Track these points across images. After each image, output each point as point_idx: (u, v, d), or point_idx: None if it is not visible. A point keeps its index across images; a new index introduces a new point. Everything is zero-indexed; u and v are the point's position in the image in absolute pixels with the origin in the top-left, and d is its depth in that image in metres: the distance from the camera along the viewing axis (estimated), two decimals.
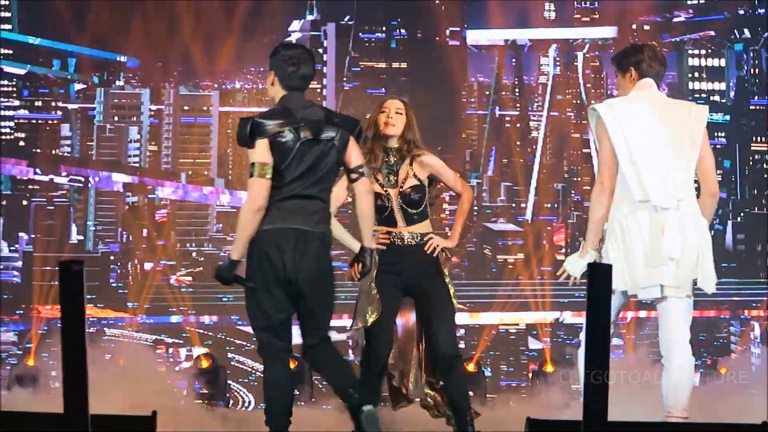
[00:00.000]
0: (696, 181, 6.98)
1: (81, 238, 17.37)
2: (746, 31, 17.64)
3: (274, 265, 6.41)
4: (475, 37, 17.91)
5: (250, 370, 16.91)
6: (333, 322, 6.71)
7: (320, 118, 6.71)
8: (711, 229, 6.96)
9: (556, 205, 17.42)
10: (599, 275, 4.86)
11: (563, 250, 17.19)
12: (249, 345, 16.98)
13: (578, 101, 17.89)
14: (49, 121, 17.71)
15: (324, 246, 6.63)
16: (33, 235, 17.14)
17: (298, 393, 14.21)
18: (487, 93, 18.07)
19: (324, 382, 16.13)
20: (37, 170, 17.49)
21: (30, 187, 17.48)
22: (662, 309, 6.81)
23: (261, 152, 6.47)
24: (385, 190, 7.40)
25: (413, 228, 7.37)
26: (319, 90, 17.81)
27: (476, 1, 17.73)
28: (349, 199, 7.12)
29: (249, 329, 17.02)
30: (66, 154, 17.57)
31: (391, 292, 7.42)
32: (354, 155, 6.64)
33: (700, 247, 6.75)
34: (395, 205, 7.38)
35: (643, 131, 6.90)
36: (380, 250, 7.41)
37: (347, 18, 17.92)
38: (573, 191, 17.46)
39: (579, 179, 17.49)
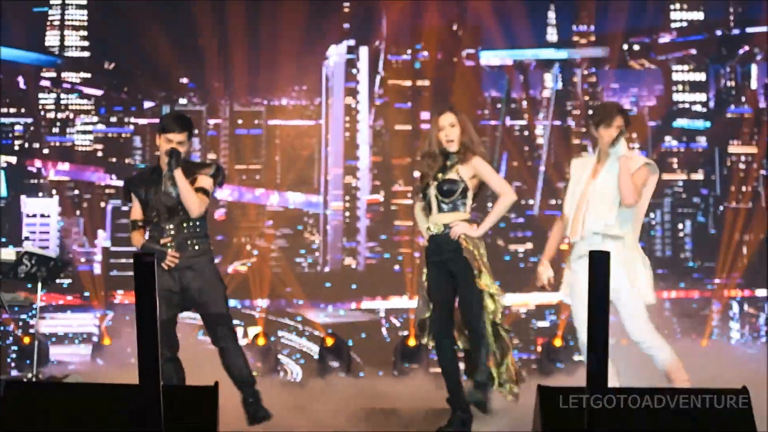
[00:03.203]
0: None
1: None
2: (723, 49, 17.57)
3: None
4: (488, 57, 17.89)
5: (297, 347, 16.93)
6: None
7: None
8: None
9: (558, 202, 17.34)
10: (597, 262, 4.83)
11: (566, 241, 17.14)
12: (298, 326, 17.00)
13: (578, 111, 17.83)
14: (123, 135, 17.77)
15: None
16: (104, 232, 17.23)
17: (338, 365, 14.25)
18: (499, 106, 18.04)
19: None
20: (113, 176, 17.56)
21: (107, 191, 17.55)
22: None
23: None
24: (429, 179, 7.34)
25: (441, 216, 7.28)
26: (354, 105, 17.80)
27: (489, 27, 17.70)
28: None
29: (296, 311, 16.96)
30: (137, 162, 17.64)
31: (439, 280, 7.34)
32: None
33: None
34: (431, 193, 7.31)
35: None
36: (429, 241, 7.37)
37: (377, 43, 17.92)
38: None
39: None
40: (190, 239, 7.31)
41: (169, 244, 7.30)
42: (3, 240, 16.70)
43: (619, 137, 7.01)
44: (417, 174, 7.60)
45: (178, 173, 7.18)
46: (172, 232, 7.31)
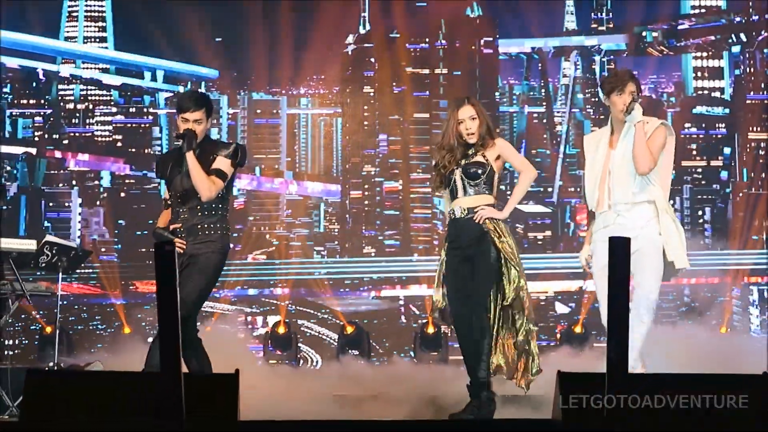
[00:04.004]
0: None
1: None
2: (742, 35, 17.49)
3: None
4: (506, 45, 17.86)
5: (317, 334, 16.95)
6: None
7: None
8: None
9: (578, 189, 17.33)
10: (618, 248, 4.83)
11: (584, 227, 17.12)
12: (318, 314, 17.02)
13: (596, 99, 17.78)
14: (142, 125, 17.80)
15: None
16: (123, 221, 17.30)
17: (358, 353, 14.27)
18: (517, 94, 18.00)
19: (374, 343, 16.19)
20: (132, 167, 17.60)
21: (127, 181, 17.60)
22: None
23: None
24: (453, 166, 7.30)
25: (468, 199, 7.23)
26: (372, 94, 17.79)
27: (507, 15, 17.66)
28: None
29: (316, 299, 16.95)
30: (157, 152, 17.68)
31: (457, 267, 7.28)
32: None
33: None
34: (457, 177, 7.27)
35: None
36: (449, 226, 7.35)
37: (395, 31, 17.89)
38: None
39: None
40: (201, 224, 7.07)
41: (179, 230, 7.12)
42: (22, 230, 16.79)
43: (632, 104, 6.98)
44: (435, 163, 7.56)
45: (189, 156, 7.00)
46: (185, 216, 7.10)
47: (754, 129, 17.35)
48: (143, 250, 16.75)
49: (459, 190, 7.27)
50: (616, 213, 7.06)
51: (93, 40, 17.91)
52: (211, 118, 7.24)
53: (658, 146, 7.02)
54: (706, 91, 17.74)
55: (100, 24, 17.89)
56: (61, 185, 17.40)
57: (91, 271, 16.69)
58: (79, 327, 16.75)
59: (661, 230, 6.97)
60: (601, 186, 7.13)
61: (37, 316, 15.37)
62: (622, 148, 7.05)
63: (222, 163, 7.03)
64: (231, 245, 7.28)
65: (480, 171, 7.23)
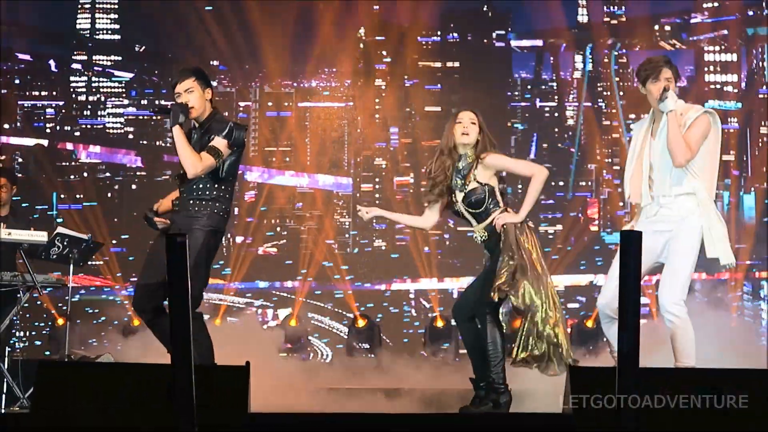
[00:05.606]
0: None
1: None
2: (755, 29, 17.45)
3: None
4: (518, 39, 17.84)
5: (327, 328, 16.96)
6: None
7: None
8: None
9: (589, 183, 17.31)
10: (630, 241, 4.81)
11: (596, 222, 17.11)
12: (328, 307, 17.03)
13: (608, 93, 17.75)
14: (153, 117, 17.82)
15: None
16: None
17: (368, 347, 14.27)
18: (529, 87, 17.98)
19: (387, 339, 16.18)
20: (144, 159, 17.62)
21: (138, 173, 17.62)
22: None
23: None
24: (455, 196, 7.18)
25: (482, 224, 7.10)
26: (384, 87, 17.78)
27: (519, 9, 17.65)
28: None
29: (327, 292, 16.92)
30: (168, 144, 17.69)
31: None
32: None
33: None
34: (461, 209, 7.14)
35: None
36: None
37: (407, 24, 17.88)
38: (605, 171, 17.36)
39: (610, 161, 17.37)
40: (192, 200, 6.94)
41: (172, 208, 7.04)
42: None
43: (665, 93, 6.78)
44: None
45: (175, 130, 6.85)
46: (183, 195, 7.02)
47: (766, 123, 17.32)
48: (152, 242, 16.76)
49: (471, 220, 7.15)
50: (659, 205, 6.87)
51: (104, 32, 17.92)
52: (209, 87, 7.01)
53: (698, 136, 6.83)
54: (718, 86, 17.70)
55: (111, 16, 17.90)
56: (72, 177, 17.42)
57: (102, 263, 16.72)
58: (90, 319, 16.78)
59: (703, 222, 6.76)
60: (642, 177, 6.94)
61: (49, 308, 15.40)
62: (661, 138, 6.88)
63: (218, 141, 6.83)
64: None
65: (480, 197, 7.06)
